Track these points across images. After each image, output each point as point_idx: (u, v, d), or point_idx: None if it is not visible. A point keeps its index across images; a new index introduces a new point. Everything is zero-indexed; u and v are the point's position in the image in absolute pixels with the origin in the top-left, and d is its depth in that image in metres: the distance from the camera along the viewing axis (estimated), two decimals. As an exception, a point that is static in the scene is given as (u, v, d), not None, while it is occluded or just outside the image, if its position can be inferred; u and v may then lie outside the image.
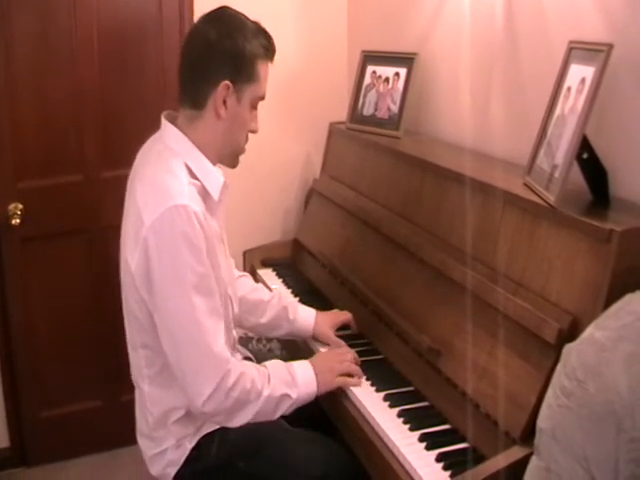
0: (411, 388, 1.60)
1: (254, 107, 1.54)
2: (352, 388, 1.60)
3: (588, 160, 1.41)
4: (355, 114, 2.34)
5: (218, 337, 1.44)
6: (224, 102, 1.47)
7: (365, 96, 2.32)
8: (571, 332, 1.26)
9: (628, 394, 1.01)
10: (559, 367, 1.15)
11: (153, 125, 1.56)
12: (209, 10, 1.53)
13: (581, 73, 1.40)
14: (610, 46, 1.31)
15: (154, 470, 1.58)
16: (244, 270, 2.31)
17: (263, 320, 1.84)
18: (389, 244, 1.87)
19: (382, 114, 2.24)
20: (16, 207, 2.27)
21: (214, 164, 1.53)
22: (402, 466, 1.37)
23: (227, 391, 1.43)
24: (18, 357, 2.39)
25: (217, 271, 1.49)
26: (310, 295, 2.09)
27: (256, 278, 2.28)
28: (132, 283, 1.44)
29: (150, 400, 1.54)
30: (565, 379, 1.11)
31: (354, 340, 1.80)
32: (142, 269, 1.41)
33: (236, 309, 1.65)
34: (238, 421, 1.49)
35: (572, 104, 1.40)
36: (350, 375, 1.62)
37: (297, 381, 1.54)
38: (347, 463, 1.55)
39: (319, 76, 2.62)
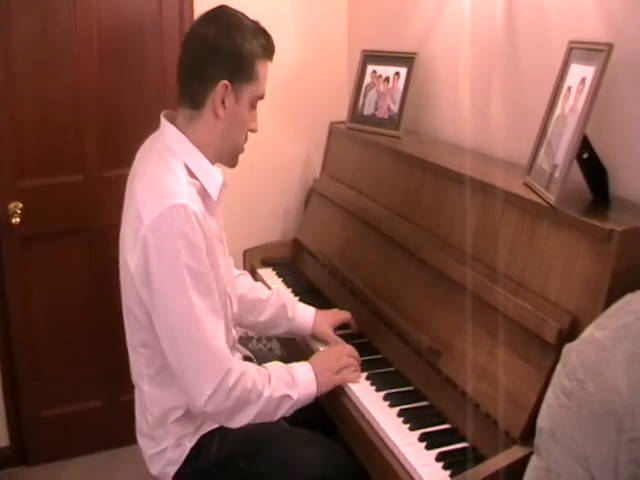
0: (411, 388, 1.60)
1: (253, 107, 1.54)
2: (352, 388, 1.60)
3: (588, 160, 1.41)
4: (355, 114, 2.34)
5: (218, 336, 1.44)
6: (223, 102, 1.47)
7: (365, 96, 2.32)
8: (571, 332, 1.26)
9: (628, 394, 1.01)
10: (559, 367, 1.15)
11: (153, 125, 1.56)
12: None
13: (581, 73, 1.40)
14: (610, 46, 1.31)
15: (154, 469, 1.58)
16: (244, 270, 2.31)
17: (262, 318, 1.84)
18: (389, 244, 1.87)
19: (382, 114, 2.24)
20: (16, 206, 2.27)
21: (213, 164, 1.53)
22: (402, 466, 1.37)
23: (228, 390, 1.43)
24: (18, 356, 2.39)
25: (216, 270, 1.49)
26: (310, 295, 2.09)
27: (256, 278, 2.28)
28: (131, 283, 1.44)
29: (150, 399, 1.54)
30: (565, 379, 1.11)
31: (354, 340, 1.80)
32: (141, 269, 1.41)
33: (235, 308, 1.65)
34: (239, 421, 1.48)
35: (572, 104, 1.40)
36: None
37: (297, 382, 1.54)
38: (347, 463, 1.55)
39: (319, 76, 2.62)
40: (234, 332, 1.66)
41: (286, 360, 1.63)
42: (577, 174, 1.45)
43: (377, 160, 2.10)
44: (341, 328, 1.86)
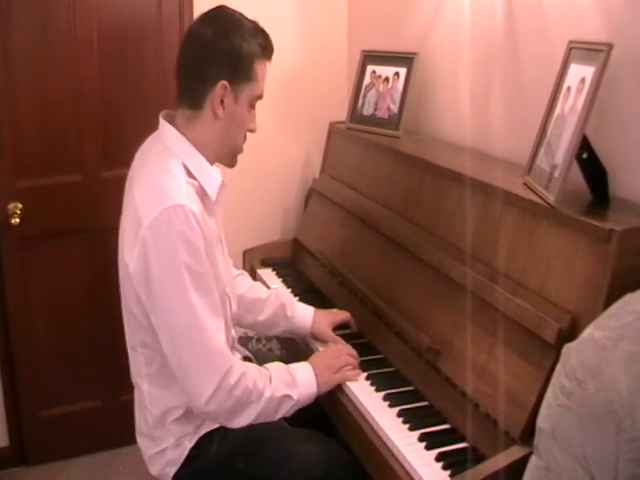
0: (411, 388, 1.60)
1: (252, 106, 1.54)
2: (352, 388, 1.60)
3: (588, 160, 1.41)
4: (355, 114, 2.34)
5: (218, 335, 1.44)
6: (222, 102, 1.47)
7: (365, 96, 2.32)
8: (571, 332, 1.26)
9: (628, 394, 1.01)
10: (559, 367, 1.15)
11: (153, 125, 1.56)
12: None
13: (581, 73, 1.40)
14: (610, 46, 1.31)
15: (154, 470, 1.58)
16: (244, 270, 2.31)
17: (261, 318, 1.84)
18: (389, 244, 1.87)
19: (382, 114, 2.24)
20: (15, 207, 2.27)
21: (212, 164, 1.53)
22: (402, 466, 1.37)
23: (229, 389, 1.43)
24: (17, 356, 2.39)
25: (215, 270, 1.49)
26: (310, 295, 2.08)
27: (256, 278, 2.28)
28: (130, 283, 1.44)
29: (149, 399, 1.54)
30: (565, 379, 1.11)
31: (354, 340, 1.80)
32: (140, 269, 1.40)
33: (234, 308, 1.65)
34: (240, 422, 1.48)
35: (572, 104, 1.40)
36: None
37: (298, 382, 1.54)
38: (347, 463, 1.55)
39: (319, 76, 2.62)
40: (233, 332, 1.66)
41: (286, 360, 1.63)
42: (577, 174, 1.45)
43: (377, 160, 2.10)
44: (341, 328, 1.86)
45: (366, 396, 1.57)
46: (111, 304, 2.06)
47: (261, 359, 1.76)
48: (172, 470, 1.55)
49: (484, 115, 1.92)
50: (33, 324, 2.40)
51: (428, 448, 1.39)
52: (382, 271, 1.87)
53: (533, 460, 1.15)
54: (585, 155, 1.40)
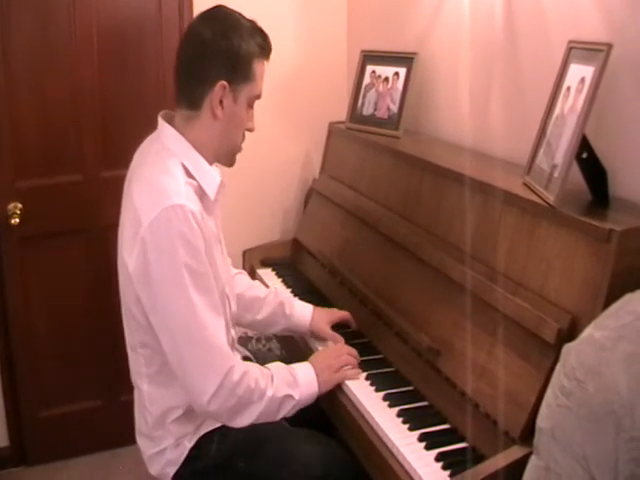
0: (410, 388, 1.60)
1: (250, 106, 1.54)
2: (352, 388, 1.60)
3: (587, 160, 1.41)
4: (355, 114, 2.34)
5: (219, 334, 1.44)
6: (220, 102, 1.47)
7: (365, 96, 2.31)
8: (570, 332, 1.26)
9: (627, 394, 1.01)
10: (558, 367, 1.15)
11: (152, 125, 1.56)
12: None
13: (581, 73, 1.40)
14: (609, 46, 1.31)
15: (153, 470, 1.58)
16: (244, 270, 2.31)
17: (259, 317, 1.84)
18: (388, 243, 1.87)
19: (382, 114, 2.24)
20: (15, 207, 2.27)
21: (211, 164, 1.53)
22: (401, 466, 1.37)
23: (231, 388, 1.43)
24: (17, 356, 2.39)
25: (214, 270, 1.49)
26: (309, 294, 2.08)
27: (255, 278, 2.28)
28: (130, 284, 1.44)
29: (149, 399, 1.54)
30: (564, 379, 1.11)
31: (353, 340, 1.80)
32: (140, 269, 1.40)
33: (234, 308, 1.65)
34: (241, 421, 1.48)
35: (572, 104, 1.40)
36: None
37: (299, 382, 1.54)
38: (347, 463, 1.55)
39: (318, 76, 2.62)
40: (233, 332, 1.66)
41: (286, 360, 1.63)
42: (576, 174, 1.45)
43: (376, 160, 2.10)
44: (341, 327, 1.86)
45: (366, 396, 1.57)
46: (111, 304, 2.06)
47: (261, 359, 1.76)
48: (172, 470, 1.55)
49: (484, 115, 1.92)
50: (33, 324, 2.40)
51: (428, 448, 1.39)
52: (382, 271, 1.87)
53: (533, 460, 1.15)
54: (585, 155, 1.40)
